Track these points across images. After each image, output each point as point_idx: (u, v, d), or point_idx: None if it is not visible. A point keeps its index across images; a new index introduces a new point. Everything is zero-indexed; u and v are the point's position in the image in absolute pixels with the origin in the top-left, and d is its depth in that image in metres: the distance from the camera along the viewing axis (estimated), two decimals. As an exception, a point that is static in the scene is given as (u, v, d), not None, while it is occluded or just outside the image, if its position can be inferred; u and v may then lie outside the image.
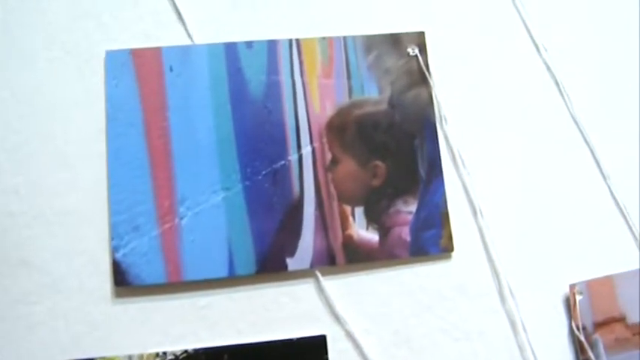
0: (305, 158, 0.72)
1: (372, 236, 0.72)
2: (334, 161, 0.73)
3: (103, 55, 0.72)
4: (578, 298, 0.75)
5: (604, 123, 0.81)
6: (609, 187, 0.81)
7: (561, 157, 0.81)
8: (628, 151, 0.82)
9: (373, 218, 0.72)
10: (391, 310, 0.72)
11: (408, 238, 0.72)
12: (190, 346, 0.67)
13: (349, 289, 0.71)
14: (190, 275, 0.68)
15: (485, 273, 0.75)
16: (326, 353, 0.68)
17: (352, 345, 0.71)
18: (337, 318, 0.70)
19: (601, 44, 0.84)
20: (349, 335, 0.71)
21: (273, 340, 0.69)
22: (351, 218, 0.72)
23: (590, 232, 0.78)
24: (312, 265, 0.70)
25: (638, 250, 0.79)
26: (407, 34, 0.78)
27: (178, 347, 0.67)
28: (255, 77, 0.74)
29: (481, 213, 0.74)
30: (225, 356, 0.67)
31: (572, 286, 0.75)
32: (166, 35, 0.74)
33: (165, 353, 0.66)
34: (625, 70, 0.83)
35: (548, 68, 0.81)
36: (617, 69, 0.84)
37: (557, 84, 0.81)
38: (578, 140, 0.80)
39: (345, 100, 0.74)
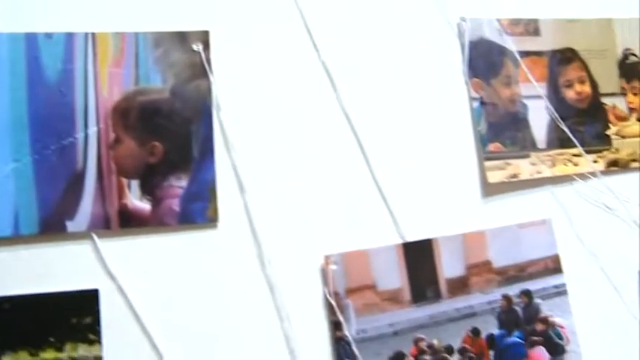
0: (90, 137, 0.91)
1: (145, 206, 0.93)
2: (117, 140, 0.93)
3: None
4: (333, 267, 0.97)
5: (369, 113, 1.03)
6: (371, 171, 1.02)
7: (326, 141, 1.00)
8: (389, 136, 1.04)
9: (147, 191, 0.93)
10: (160, 271, 0.91)
11: (178, 209, 0.93)
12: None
13: (123, 250, 0.91)
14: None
15: (248, 242, 0.94)
16: (97, 305, 0.88)
17: (123, 299, 0.90)
18: (110, 275, 0.91)
19: (376, 49, 1.06)
20: (120, 290, 0.90)
21: (51, 292, 0.86)
22: (127, 190, 0.93)
23: (349, 210, 0.97)
24: (89, 228, 0.89)
25: (394, 228, 1.01)
26: (193, 32, 0.98)
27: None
28: (52, 65, 0.92)
29: (247, 190, 0.96)
30: (6, 305, 0.86)
31: (327, 257, 0.96)
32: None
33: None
34: (393, 69, 1.06)
35: (324, 66, 1.03)
36: (388, 70, 1.06)
37: (330, 79, 1.02)
38: (344, 127, 1.01)
39: (131, 87, 0.96)
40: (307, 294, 0.95)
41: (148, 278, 0.91)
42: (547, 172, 1.05)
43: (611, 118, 1.12)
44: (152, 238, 0.92)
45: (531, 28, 1.10)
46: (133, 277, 0.91)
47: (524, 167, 1.04)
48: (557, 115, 1.10)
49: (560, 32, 1.14)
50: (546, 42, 1.14)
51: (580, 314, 1.08)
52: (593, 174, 1.11)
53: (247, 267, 0.94)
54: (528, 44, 1.13)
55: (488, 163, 1.01)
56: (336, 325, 0.94)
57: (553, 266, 1.03)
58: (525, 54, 1.10)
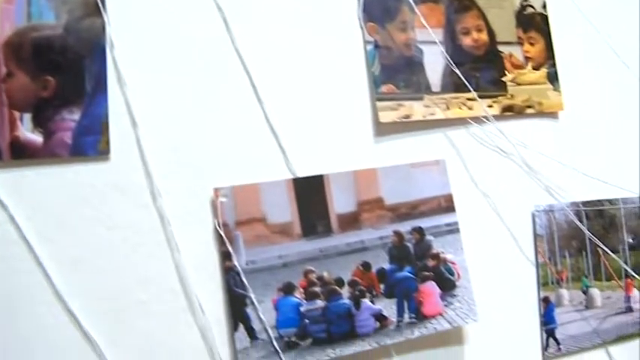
0: (-19, 70, 0.90)
1: (37, 138, 0.98)
2: (9, 74, 0.99)
3: None
4: (222, 200, 1.03)
5: (263, 51, 1.09)
6: (262, 108, 1.08)
7: (218, 77, 1.05)
8: (282, 74, 1.10)
9: (40, 124, 0.98)
10: (52, 201, 0.97)
11: (70, 141, 0.99)
12: None
13: (14, 181, 0.96)
14: None
15: (139, 175, 1.00)
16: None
17: (14, 227, 0.96)
18: (2, 205, 0.97)
19: None
20: (12, 220, 0.96)
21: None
22: (19, 122, 0.98)
23: (241, 145, 1.03)
24: (-19, 160, 0.87)
25: (284, 165, 1.08)
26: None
27: None
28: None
29: (139, 124, 1.02)
30: None
31: (216, 190, 1.02)
32: None
33: None
34: (289, 10, 1.13)
35: (217, 5, 1.07)
36: (283, 11, 1.13)
37: (223, 18, 1.07)
38: (236, 64, 1.07)
39: (23, 23, 1.01)
40: (198, 226, 1.00)
41: (39, 209, 0.95)
42: (440, 114, 1.12)
43: (508, 65, 1.20)
44: (44, 169, 0.96)
45: (429, -25, 1.15)
46: (24, 207, 0.94)
47: (417, 109, 1.10)
48: (451, 60, 1.16)
49: (457, -19, 1.17)
50: (444, -10, 1.15)
51: (472, 252, 1.14)
52: (488, 118, 1.15)
53: (138, 199, 0.98)
54: (426, -8, 1.14)
55: (380, 104, 1.08)
56: (225, 256, 0.97)
57: (446, 205, 1.10)
58: (422, 1, 1.14)
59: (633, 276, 1.25)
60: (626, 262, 1.26)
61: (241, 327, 0.99)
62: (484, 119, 1.13)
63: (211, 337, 0.99)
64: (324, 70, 1.11)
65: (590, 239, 1.21)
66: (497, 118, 1.21)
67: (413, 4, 1.15)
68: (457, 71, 1.11)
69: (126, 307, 0.95)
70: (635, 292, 1.27)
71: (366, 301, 1.05)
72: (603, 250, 1.19)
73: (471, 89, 1.13)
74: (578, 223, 1.18)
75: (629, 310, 1.29)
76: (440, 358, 1.15)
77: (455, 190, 1.15)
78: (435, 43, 1.13)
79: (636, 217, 1.29)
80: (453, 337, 1.15)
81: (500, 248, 1.20)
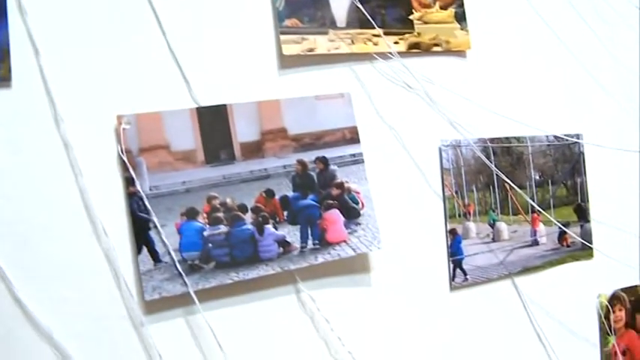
0: None
1: None
2: None
3: None
4: (125, 127, 1.09)
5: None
6: (167, 40, 1.14)
7: (120, 5, 1.12)
8: (187, 3, 1.16)
9: None
10: None
11: None
12: None
13: None
14: None
15: (42, 102, 1.03)
16: None
17: None
18: None
19: None
20: None
21: None
22: None
23: (144, 74, 1.09)
24: None
25: (188, 95, 1.13)
26: None
27: None
28: None
29: (41, 52, 1.06)
30: None
31: (119, 117, 1.07)
32: None
33: None
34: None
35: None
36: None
37: None
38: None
39: None
40: (101, 152, 1.04)
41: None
42: (345, 49, 1.18)
43: (415, 4, 1.27)
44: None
45: None
46: None
47: (321, 43, 1.16)
48: None
49: None
50: None
51: (379, 183, 1.21)
52: (392, 54, 1.22)
53: (41, 126, 1.02)
54: None
55: (283, 37, 1.13)
56: (128, 181, 1.02)
57: (350, 136, 1.17)
58: (329, -60, 1.19)
59: (539, 211, 1.31)
60: (532, 198, 1.33)
61: (145, 250, 1.04)
62: (390, 55, 1.16)
63: (115, 259, 1.03)
64: (229, 1, 1.15)
65: (497, 175, 1.26)
66: (403, 54, 1.26)
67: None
68: (360, 6, 1.15)
69: (30, 231, 0.99)
70: (541, 226, 1.35)
71: (269, 227, 1.10)
72: (510, 185, 1.26)
73: (375, 25, 1.15)
74: (484, 158, 1.24)
75: (535, 243, 1.36)
76: (346, 285, 1.20)
77: (361, 123, 1.20)
78: (340, -21, 1.15)
79: (543, 154, 1.36)
80: (359, 265, 1.21)
81: (407, 180, 1.27)
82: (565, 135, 1.43)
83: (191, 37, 1.12)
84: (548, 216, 1.36)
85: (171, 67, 1.11)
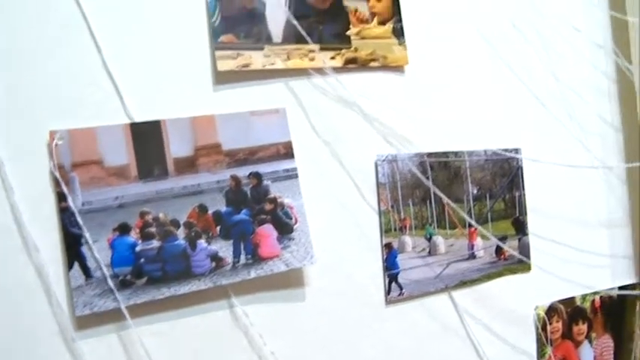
0: None
1: None
2: None
3: None
4: (58, 142, 1.15)
5: None
6: (101, 55, 1.19)
7: (51, 19, 1.17)
8: (122, 19, 1.21)
9: None
10: None
11: None
12: None
13: None
14: None
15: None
16: None
17: None
18: None
19: None
20: None
21: None
22: None
23: (78, 90, 1.14)
24: None
25: (122, 110, 1.20)
26: None
27: None
28: None
29: None
30: None
31: (52, 132, 1.13)
32: None
33: None
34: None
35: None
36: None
37: None
38: (75, 11, 1.19)
39: None
40: (34, 167, 1.10)
41: None
42: (281, 64, 1.25)
43: (353, 20, 1.35)
44: None
45: None
46: None
47: (256, 58, 1.24)
48: (295, 12, 1.31)
49: (304, -63, 1.30)
50: (288, -56, 1.27)
51: (314, 198, 1.28)
52: (326, 69, 1.29)
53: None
54: (271, -55, 1.26)
55: (218, 53, 1.20)
56: (60, 197, 1.08)
57: (285, 152, 1.24)
58: (267, -46, 1.26)
59: (475, 226, 1.40)
60: (470, 212, 1.43)
61: (76, 265, 1.09)
62: (327, 71, 1.25)
63: (46, 275, 1.08)
64: (164, 17, 1.21)
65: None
66: (340, 70, 1.33)
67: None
68: (295, 22, 1.23)
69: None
70: (478, 240, 1.45)
71: (201, 242, 1.17)
72: (446, 201, 1.35)
73: (309, 40, 1.24)
74: (419, 174, 1.33)
75: (473, 256, 1.45)
76: (280, 300, 1.27)
77: (296, 138, 1.28)
78: (278, -5, 1.22)
79: (481, 169, 1.46)
80: (293, 280, 1.28)
81: (342, 195, 1.35)
82: (503, 149, 1.49)
83: (125, 53, 1.17)
84: (485, 231, 1.45)
85: (105, 83, 1.17)
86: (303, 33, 1.24)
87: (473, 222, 1.42)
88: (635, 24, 1.68)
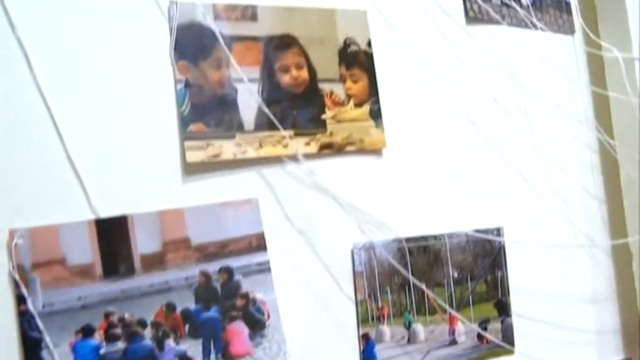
0: None
1: None
2: None
3: None
4: (18, 242, 1.11)
5: (66, 90, 1.16)
6: (65, 148, 1.16)
7: (18, 112, 1.14)
8: (86, 112, 1.19)
9: None
10: None
11: None
12: None
13: None
14: None
15: None
16: None
17: None
18: None
19: (82, 29, 1.19)
20: None
21: None
22: None
23: (40, 184, 1.11)
24: None
25: (87, 206, 1.16)
26: None
27: None
28: None
29: None
30: None
31: (11, 231, 1.09)
32: None
33: None
34: (100, 50, 1.21)
35: (19, 43, 1.15)
36: (94, 50, 1.20)
37: (23, 51, 1.15)
38: (38, 102, 1.16)
39: None
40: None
41: None
42: (253, 153, 1.23)
43: (328, 103, 1.32)
44: None
45: (248, 13, 1.27)
46: None
47: (227, 148, 1.21)
48: (268, 98, 1.29)
49: (279, 19, 1.31)
50: (263, 28, 1.30)
51: (287, 290, 1.25)
52: (298, 157, 1.27)
53: None
54: (244, 29, 1.29)
55: (188, 143, 1.17)
56: (19, 299, 1.04)
57: (257, 244, 1.21)
58: (240, 39, 1.25)
59: (454, 314, 1.37)
60: (451, 296, 1.40)
61: (37, 371, 0.98)
62: (301, 157, 1.22)
63: (4, 382, 0.97)
64: (132, 108, 1.19)
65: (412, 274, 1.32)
66: (315, 156, 1.31)
67: (221, 42, 1.25)
68: (267, 110, 1.20)
69: None
70: (459, 325, 1.41)
71: (169, 342, 1.13)
72: (425, 286, 1.33)
73: (281, 128, 1.22)
74: (395, 264, 1.30)
75: (454, 342, 1.42)
76: (253, 397, 1.15)
77: (269, 228, 1.25)
78: (251, 81, 1.21)
79: (462, 250, 1.43)
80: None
81: (317, 286, 1.31)
82: (485, 230, 1.49)
83: (90, 144, 1.15)
84: (464, 319, 1.44)
85: (68, 176, 1.14)
86: (276, 122, 1.21)
87: (453, 311, 1.42)
88: (616, 99, 1.70)
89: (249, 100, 1.27)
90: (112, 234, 1.14)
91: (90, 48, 1.16)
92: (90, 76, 1.15)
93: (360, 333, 1.33)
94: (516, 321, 1.55)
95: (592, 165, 1.77)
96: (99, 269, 1.12)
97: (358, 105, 1.35)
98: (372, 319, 1.35)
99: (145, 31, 1.20)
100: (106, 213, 1.13)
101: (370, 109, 1.35)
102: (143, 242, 1.15)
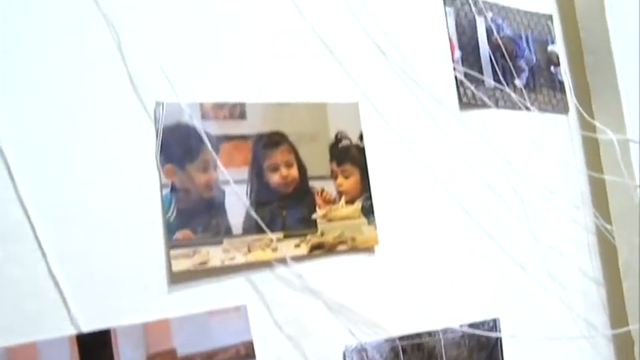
0: None
1: None
2: None
3: None
4: (-4, 362, 1.07)
5: (46, 201, 1.14)
6: (45, 260, 1.13)
7: None
8: (65, 221, 1.16)
9: None
10: None
11: None
12: None
13: None
14: None
15: None
16: None
17: None
18: None
19: (66, 129, 1.17)
20: None
21: None
22: None
23: (16, 299, 1.09)
24: None
25: (67, 320, 1.13)
26: None
27: None
28: None
29: None
30: None
31: (-12, 351, 1.06)
32: None
33: None
34: (82, 155, 1.20)
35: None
36: (76, 155, 1.18)
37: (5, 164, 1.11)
38: (18, 212, 1.13)
39: None
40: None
41: None
42: (241, 258, 1.20)
43: (319, 201, 1.30)
44: None
45: (237, 111, 1.25)
46: None
47: (215, 254, 1.18)
48: (257, 199, 1.28)
49: (268, 116, 1.29)
50: (253, 125, 1.29)
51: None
52: (295, 258, 1.26)
53: None
54: (232, 128, 1.27)
55: (174, 252, 1.15)
56: None
57: (245, 352, 1.18)
58: (228, 138, 1.23)
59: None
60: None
61: None
62: (291, 260, 1.19)
63: None
64: (116, 216, 1.17)
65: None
66: (305, 257, 1.29)
67: (207, 143, 1.24)
68: (254, 214, 1.18)
69: None
70: None
71: None
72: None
73: (269, 232, 1.19)
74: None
75: None
76: None
77: (257, 335, 1.24)
78: (238, 182, 1.18)
79: (457, 346, 1.40)
80: None
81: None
82: (481, 322, 1.49)
83: (71, 256, 1.13)
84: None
85: (48, 289, 1.13)
86: (264, 226, 1.17)
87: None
88: (612, 182, 1.72)
89: (236, 203, 1.26)
90: (95, 349, 1.12)
91: (72, 154, 1.16)
92: (72, 184, 1.14)
93: None
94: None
95: (590, 248, 1.78)
96: (77, 387, 1.00)
97: (350, 202, 1.32)
98: None
99: (130, 134, 1.19)
100: (88, 326, 1.12)
101: (362, 206, 1.33)
102: (127, 357, 1.14)
